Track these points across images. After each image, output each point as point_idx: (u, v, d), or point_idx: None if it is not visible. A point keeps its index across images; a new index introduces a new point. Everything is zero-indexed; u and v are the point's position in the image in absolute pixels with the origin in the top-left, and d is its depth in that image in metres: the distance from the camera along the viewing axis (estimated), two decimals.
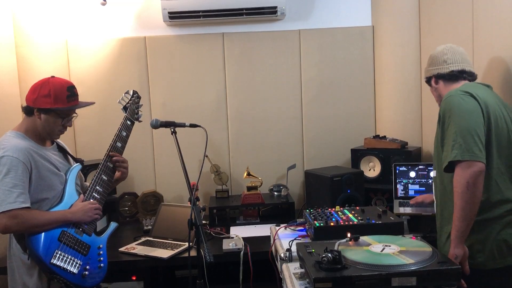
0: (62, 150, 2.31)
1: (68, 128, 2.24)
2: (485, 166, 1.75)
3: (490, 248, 1.84)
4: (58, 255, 2.01)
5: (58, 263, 2.00)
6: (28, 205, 1.99)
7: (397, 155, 3.06)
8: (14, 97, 2.91)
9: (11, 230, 2.00)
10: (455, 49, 2.11)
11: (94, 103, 2.33)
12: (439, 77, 2.11)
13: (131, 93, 2.52)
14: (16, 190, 1.96)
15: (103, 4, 3.33)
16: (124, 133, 2.40)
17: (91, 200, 2.21)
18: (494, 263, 1.84)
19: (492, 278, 1.85)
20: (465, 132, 1.76)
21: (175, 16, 3.29)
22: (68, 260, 2.04)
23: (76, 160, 2.35)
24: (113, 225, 2.35)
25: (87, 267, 2.11)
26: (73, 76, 3.43)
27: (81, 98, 2.24)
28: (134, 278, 2.79)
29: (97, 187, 2.26)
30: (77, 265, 2.06)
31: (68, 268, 2.02)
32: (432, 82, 2.16)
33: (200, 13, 3.28)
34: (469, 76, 2.08)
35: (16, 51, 3.04)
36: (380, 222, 2.08)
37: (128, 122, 2.43)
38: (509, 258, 1.85)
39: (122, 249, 2.73)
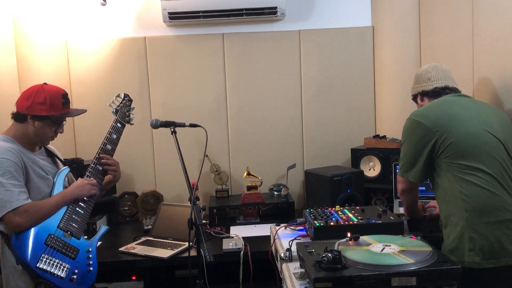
0: (50, 154, 2.31)
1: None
2: (412, 183, 2.10)
3: (482, 247, 1.84)
4: (44, 259, 1.99)
5: (44, 267, 1.97)
6: (29, 201, 2.01)
7: (397, 155, 3.03)
8: (14, 97, 2.87)
9: (24, 226, 1.98)
10: (439, 67, 2.22)
11: (86, 111, 2.35)
12: (424, 94, 2.22)
13: (122, 96, 2.50)
14: (15, 189, 1.97)
15: (103, 4, 3.33)
16: (115, 136, 2.39)
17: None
18: (487, 262, 1.84)
19: (485, 278, 1.85)
20: (405, 157, 2.09)
21: (175, 17, 3.29)
22: (56, 264, 2.02)
23: (65, 163, 2.35)
24: (103, 228, 2.35)
25: (76, 271, 2.08)
26: (73, 76, 3.44)
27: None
28: (134, 278, 2.79)
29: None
30: (65, 269, 2.04)
31: (55, 272, 2.00)
32: (418, 99, 2.27)
33: (200, 14, 3.28)
34: (452, 91, 2.16)
35: (16, 51, 3.04)
36: (380, 221, 2.09)
37: (119, 125, 2.42)
38: (503, 259, 1.84)
39: (122, 248, 2.73)
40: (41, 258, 1.98)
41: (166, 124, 2.40)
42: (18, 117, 2.14)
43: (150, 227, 3.04)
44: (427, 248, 1.71)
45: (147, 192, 3.42)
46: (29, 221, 1.99)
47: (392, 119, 3.43)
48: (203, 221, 2.44)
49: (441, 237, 2.04)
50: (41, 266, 1.97)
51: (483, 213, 1.86)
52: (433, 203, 2.42)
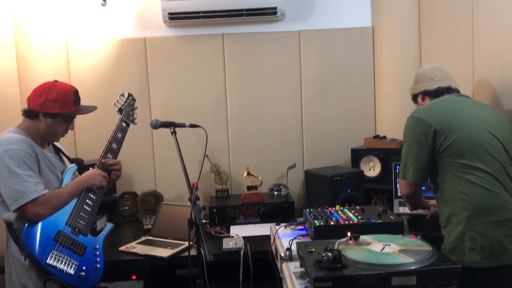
0: (57, 151, 2.33)
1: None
2: (416, 184, 2.05)
3: (483, 246, 1.85)
4: (54, 256, 2.01)
5: (54, 264, 1.99)
6: (47, 191, 2.05)
7: (397, 155, 3.05)
8: (14, 97, 2.91)
9: (44, 216, 2.03)
10: (441, 67, 2.23)
11: (96, 107, 2.37)
12: (426, 93, 2.21)
13: (126, 95, 2.53)
14: (32, 180, 2.02)
15: (103, 5, 3.33)
16: (120, 135, 2.41)
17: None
18: (488, 262, 1.85)
19: (485, 278, 1.86)
20: (407, 157, 2.04)
21: (175, 17, 3.29)
22: (64, 260, 2.04)
23: (72, 160, 2.37)
24: (109, 225, 2.37)
25: (84, 267, 2.10)
26: (73, 76, 3.44)
27: (81, 98, 2.27)
28: (134, 277, 2.80)
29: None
30: (74, 265, 2.06)
31: (64, 269, 2.02)
32: (419, 99, 2.26)
33: (200, 14, 3.29)
34: (454, 92, 2.17)
35: (16, 51, 3.04)
36: (380, 221, 2.09)
37: (124, 124, 2.45)
38: (503, 258, 1.85)
39: (122, 248, 2.74)
40: (51, 254, 2.00)
41: (166, 125, 2.40)
42: (29, 114, 2.17)
43: (150, 226, 3.04)
44: (427, 248, 1.71)
45: (147, 192, 3.42)
46: (48, 210, 2.04)
47: (392, 119, 3.43)
48: (203, 221, 2.44)
49: (441, 236, 2.04)
50: (50, 262, 1.99)
51: (484, 212, 1.86)
52: (432, 202, 2.43)
